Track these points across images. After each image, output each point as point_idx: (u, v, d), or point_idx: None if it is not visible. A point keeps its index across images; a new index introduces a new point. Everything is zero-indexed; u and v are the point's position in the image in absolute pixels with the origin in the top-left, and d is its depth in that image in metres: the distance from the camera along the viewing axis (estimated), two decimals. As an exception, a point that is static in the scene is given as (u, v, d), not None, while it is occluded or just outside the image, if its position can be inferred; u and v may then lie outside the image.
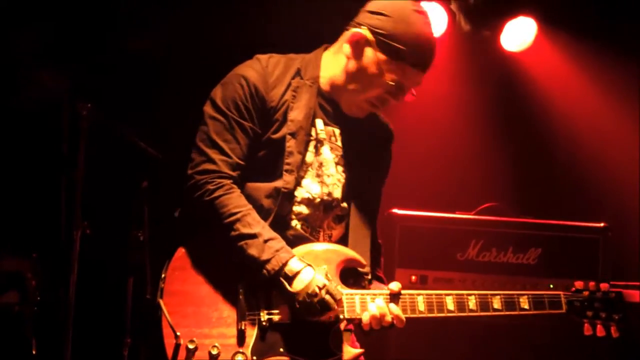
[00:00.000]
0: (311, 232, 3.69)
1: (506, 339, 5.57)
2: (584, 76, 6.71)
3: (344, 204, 3.77)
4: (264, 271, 3.45)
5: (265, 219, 3.55)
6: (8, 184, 5.69)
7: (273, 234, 3.52)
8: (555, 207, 6.46)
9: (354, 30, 3.66)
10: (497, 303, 3.67)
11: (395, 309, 3.55)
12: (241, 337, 3.46)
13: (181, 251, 3.55)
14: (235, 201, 3.50)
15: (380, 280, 3.81)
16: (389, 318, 3.53)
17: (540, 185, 6.89)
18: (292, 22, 5.94)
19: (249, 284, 3.50)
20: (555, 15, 6.57)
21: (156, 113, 6.00)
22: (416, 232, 5.83)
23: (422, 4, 6.09)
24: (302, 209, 3.67)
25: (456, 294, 3.65)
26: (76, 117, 4.97)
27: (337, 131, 3.76)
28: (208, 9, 6.10)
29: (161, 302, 3.47)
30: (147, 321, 5.14)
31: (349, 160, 3.77)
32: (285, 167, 3.60)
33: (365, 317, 3.53)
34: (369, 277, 3.70)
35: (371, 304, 3.55)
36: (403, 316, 3.56)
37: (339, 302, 3.48)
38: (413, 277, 5.74)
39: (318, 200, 3.69)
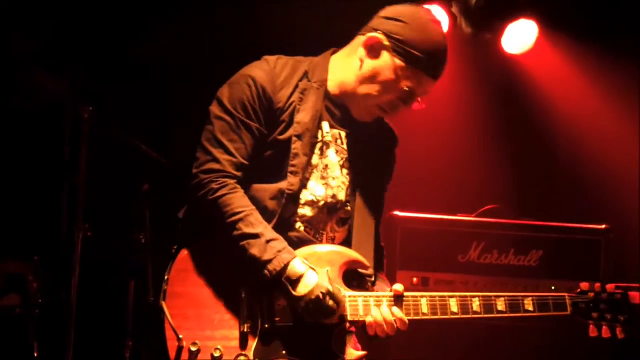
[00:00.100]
0: (314, 234, 3.69)
1: (506, 340, 5.57)
2: (585, 79, 6.71)
3: (348, 207, 3.77)
4: (266, 272, 3.44)
5: (269, 221, 3.54)
6: (10, 187, 5.70)
7: (276, 235, 3.51)
8: (556, 209, 6.47)
9: (370, 34, 3.66)
10: (501, 305, 3.66)
11: (398, 312, 3.54)
12: (244, 340, 3.45)
13: (185, 253, 3.55)
14: (238, 201, 3.49)
15: (383, 281, 3.79)
16: (394, 325, 3.53)
17: (542, 187, 6.89)
18: (299, 26, 5.95)
19: (252, 286, 3.49)
20: (556, 18, 6.57)
21: (157, 116, 6.00)
22: (418, 234, 5.83)
23: (424, 6, 6.18)
24: (306, 212, 3.66)
25: (460, 296, 3.64)
26: (78, 120, 4.97)
27: (343, 134, 3.76)
28: (211, 10, 6.11)
29: (164, 304, 3.47)
30: (148, 323, 5.16)
31: (354, 163, 3.77)
32: (290, 168, 3.60)
33: (370, 324, 3.53)
34: (373, 279, 3.69)
35: (375, 310, 3.54)
36: (407, 320, 3.55)
37: (341, 308, 3.48)
38: (415, 279, 5.75)
39: (322, 202, 3.69)
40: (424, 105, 3.72)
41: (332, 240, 3.74)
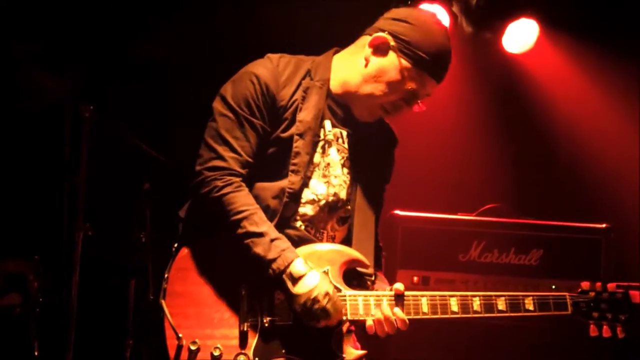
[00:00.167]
0: (315, 233, 3.69)
1: (507, 339, 5.57)
2: (586, 78, 6.71)
3: (348, 206, 3.77)
4: (270, 270, 3.45)
5: (270, 219, 3.54)
6: (10, 186, 5.70)
7: (279, 234, 3.51)
8: (557, 208, 6.47)
9: (376, 34, 3.67)
10: (501, 304, 3.66)
11: (399, 312, 3.54)
12: (243, 339, 3.45)
13: (185, 251, 3.55)
14: (243, 199, 3.49)
15: (382, 281, 3.79)
16: (394, 324, 3.53)
17: (542, 186, 6.89)
18: (299, 26, 5.95)
19: (252, 285, 3.49)
20: (557, 17, 6.57)
21: (158, 115, 6.00)
22: (418, 233, 5.83)
23: (424, 6, 6.19)
24: (307, 210, 3.66)
25: (460, 295, 3.64)
26: (78, 119, 4.97)
27: (345, 133, 3.76)
28: (212, 10, 6.11)
29: (163, 303, 3.47)
30: (149, 322, 5.16)
31: (355, 162, 3.78)
32: (292, 167, 3.60)
33: (370, 323, 3.53)
34: (373, 278, 3.70)
35: (376, 309, 3.54)
36: (407, 319, 3.55)
37: (339, 314, 3.48)
38: (415, 278, 5.74)
39: (323, 201, 3.69)
40: (424, 107, 3.73)
41: (332, 239, 3.75)
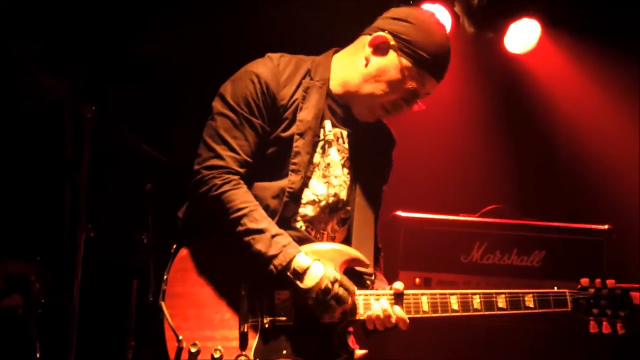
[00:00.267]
0: (315, 234, 3.68)
1: (507, 340, 5.57)
2: (588, 78, 6.70)
3: (348, 207, 3.77)
4: (271, 267, 3.43)
5: (270, 219, 3.53)
6: (12, 187, 5.70)
7: (280, 230, 3.50)
8: (559, 209, 6.47)
9: (376, 33, 3.67)
10: (502, 302, 3.66)
11: (399, 311, 3.54)
12: (244, 340, 3.44)
13: (184, 252, 3.54)
14: (242, 196, 3.48)
15: (381, 280, 3.79)
16: (393, 319, 3.52)
17: (544, 187, 6.89)
18: (299, 26, 5.95)
19: (252, 285, 3.48)
20: (559, 17, 6.57)
21: (159, 115, 6.01)
22: (420, 234, 5.83)
23: (426, 6, 6.19)
24: (308, 211, 3.66)
25: (460, 293, 3.63)
26: (80, 120, 4.97)
27: (345, 133, 3.76)
28: (212, 10, 6.11)
29: (163, 304, 3.46)
30: (151, 324, 5.16)
31: (354, 162, 3.77)
32: (292, 166, 3.59)
33: (369, 317, 3.52)
34: (373, 277, 3.69)
35: (375, 303, 3.53)
36: (407, 318, 3.55)
37: (352, 294, 3.47)
38: (417, 280, 5.74)
39: (324, 202, 3.68)
40: (424, 107, 3.73)
41: (332, 240, 3.74)
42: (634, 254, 6.09)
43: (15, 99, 5.46)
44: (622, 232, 5.97)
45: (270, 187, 3.58)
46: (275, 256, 3.44)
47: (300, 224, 3.64)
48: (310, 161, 3.65)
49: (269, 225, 3.48)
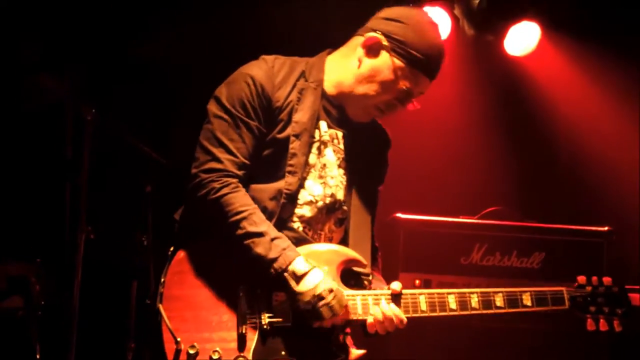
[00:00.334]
0: (312, 235, 3.68)
1: (505, 341, 5.57)
2: (588, 80, 6.70)
3: (345, 207, 3.77)
4: (271, 270, 3.43)
5: (268, 220, 3.53)
6: (12, 188, 5.70)
7: (279, 233, 3.51)
8: (559, 211, 6.47)
9: (369, 34, 3.67)
10: (499, 300, 3.67)
11: (398, 312, 3.55)
12: (242, 341, 3.44)
13: (181, 254, 3.53)
14: (241, 200, 3.48)
15: (379, 280, 3.79)
16: (394, 322, 3.53)
17: (544, 189, 6.89)
18: (299, 26, 5.95)
19: (249, 287, 3.49)
20: (559, 20, 6.56)
21: (159, 116, 6.01)
22: (420, 236, 5.83)
23: (426, 8, 6.19)
24: (305, 212, 3.66)
25: (458, 293, 3.65)
26: (80, 120, 4.98)
27: (340, 134, 3.76)
28: (212, 10, 6.11)
29: (161, 307, 3.45)
30: (151, 325, 5.16)
31: (350, 163, 3.77)
32: (288, 168, 3.59)
33: (371, 321, 3.53)
34: (370, 277, 3.69)
35: (375, 307, 3.54)
36: (405, 318, 3.56)
37: (345, 309, 3.48)
38: (417, 282, 5.74)
39: (321, 202, 3.68)
40: (419, 106, 3.73)
41: (330, 241, 3.74)
42: (634, 256, 6.09)
43: (15, 100, 5.46)
44: (622, 234, 5.97)
45: (267, 188, 3.58)
46: (275, 259, 3.44)
47: (297, 225, 3.64)
48: (307, 162, 3.65)
49: (269, 228, 3.48)
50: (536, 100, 6.86)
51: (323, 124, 3.71)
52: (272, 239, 3.46)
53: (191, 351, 3.40)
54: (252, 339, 3.46)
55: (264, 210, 3.54)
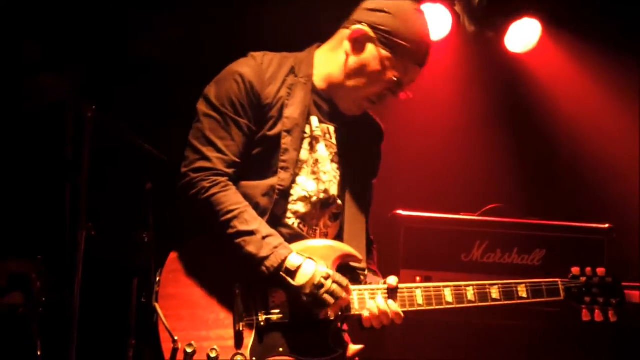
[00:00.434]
0: (307, 230, 3.68)
1: (504, 339, 5.57)
2: (589, 77, 6.69)
3: (339, 202, 3.76)
4: (263, 268, 3.43)
5: (261, 217, 3.52)
6: (13, 186, 5.71)
7: (271, 231, 3.50)
8: (559, 208, 6.46)
9: (354, 27, 3.66)
10: (495, 293, 3.67)
11: (394, 306, 3.55)
12: (239, 339, 3.43)
13: (175, 254, 3.53)
14: (231, 198, 3.47)
15: (374, 273, 3.81)
16: (389, 316, 3.53)
17: (545, 186, 6.88)
18: (299, 26, 5.94)
19: (245, 284, 3.48)
20: (560, 17, 6.55)
21: (159, 114, 6.00)
22: (421, 233, 5.82)
23: (427, 5, 6.18)
24: (299, 207, 3.65)
25: (454, 286, 3.66)
26: (80, 119, 4.98)
27: (332, 128, 3.76)
28: (212, 10, 6.11)
29: (157, 306, 3.45)
30: (151, 322, 5.17)
31: (343, 157, 3.77)
32: (281, 164, 3.59)
33: (367, 315, 3.53)
34: (366, 272, 3.69)
35: (370, 301, 3.54)
36: (402, 312, 3.56)
37: (346, 289, 3.47)
38: (418, 279, 5.73)
39: (315, 198, 3.68)
40: (411, 95, 3.72)
41: (325, 236, 3.74)
42: (634, 253, 6.08)
43: (16, 99, 5.47)
44: (622, 231, 5.96)
45: (259, 185, 3.57)
46: (266, 257, 3.43)
47: (292, 221, 3.64)
48: (298, 158, 3.64)
49: (260, 226, 3.48)
50: (537, 97, 6.84)
51: (314, 119, 3.70)
52: (264, 237, 3.45)
53: (188, 349, 3.39)
54: (250, 336, 3.45)
55: (256, 206, 3.53)
